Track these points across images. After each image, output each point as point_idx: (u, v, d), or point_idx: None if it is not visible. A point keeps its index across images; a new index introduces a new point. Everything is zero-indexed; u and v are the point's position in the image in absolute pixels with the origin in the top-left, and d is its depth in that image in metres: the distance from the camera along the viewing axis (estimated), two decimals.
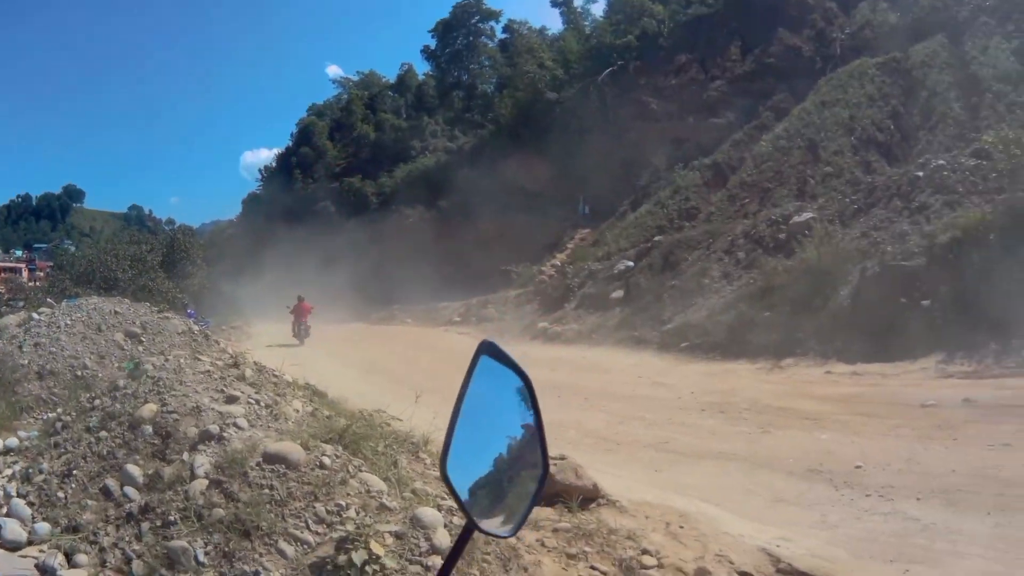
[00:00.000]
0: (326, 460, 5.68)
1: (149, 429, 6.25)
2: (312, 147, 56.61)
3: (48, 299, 15.18)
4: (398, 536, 5.24)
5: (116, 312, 11.23)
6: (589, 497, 6.42)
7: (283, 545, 5.14)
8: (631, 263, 22.82)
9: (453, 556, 1.13)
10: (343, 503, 5.37)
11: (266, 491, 5.40)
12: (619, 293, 21.71)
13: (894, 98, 25.14)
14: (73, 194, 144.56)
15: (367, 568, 4.94)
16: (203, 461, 5.70)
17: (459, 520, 5.54)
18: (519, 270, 30.67)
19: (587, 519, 6.16)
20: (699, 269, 19.86)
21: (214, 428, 5.99)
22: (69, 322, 10.80)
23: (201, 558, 5.15)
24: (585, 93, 38.42)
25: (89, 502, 5.93)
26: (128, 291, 18.93)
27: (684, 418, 10.47)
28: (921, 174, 16.70)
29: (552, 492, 6.39)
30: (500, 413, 1.11)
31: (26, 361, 9.84)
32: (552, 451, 6.59)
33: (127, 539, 5.50)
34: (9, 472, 6.80)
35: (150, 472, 5.86)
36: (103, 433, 6.59)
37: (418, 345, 18.40)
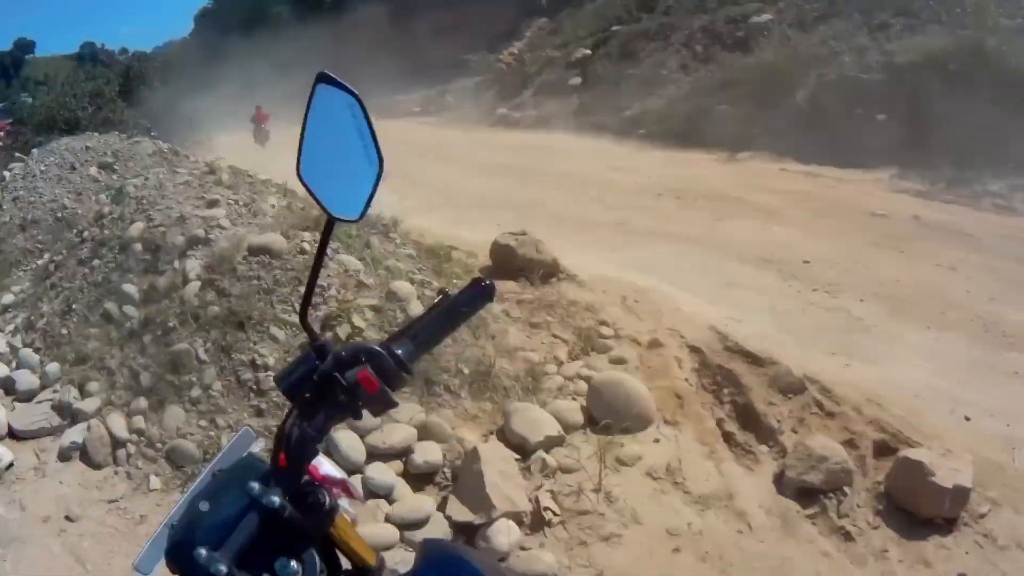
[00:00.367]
0: (306, 246, 5.91)
1: (139, 247, 6.39)
2: None
3: (16, 155, 14.51)
4: (376, 309, 5.48)
5: (87, 148, 11.20)
6: (549, 272, 6.62)
7: (274, 331, 5.39)
8: (588, 51, 22.31)
9: (321, 246, 1.30)
10: (324, 284, 5.59)
11: (254, 282, 5.65)
12: (577, 80, 21.34)
13: None
14: (24, 47, 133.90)
15: (350, 341, 5.16)
16: (194, 265, 5.92)
17: (430, 292, 5.89)
18: (476, 59, 29.80)
19: (548, 292, 6.37)
20: (657, 60, 19.50)
21: (200, 232, 6.15)
22: (43, 168, 10.68)
23: (202, 356, 5.42)
24: None
25: (92, 330, 6.13)
26: (90, 128, 18.18)
27: (642, 202, 10.59)
28: None
29: (514, 267, 6.60)
30: (340, 129, 1.25)
31: (7, 218, 9.77)
32: (514, 228, 6.73)
33: (132, 355, 5.74)
34: (11, 327, 6.91)
35: (145, 287, 6.06)
36: (95, 262, 6.72)
37: (381, 138, 18.01)
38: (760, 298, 6.93)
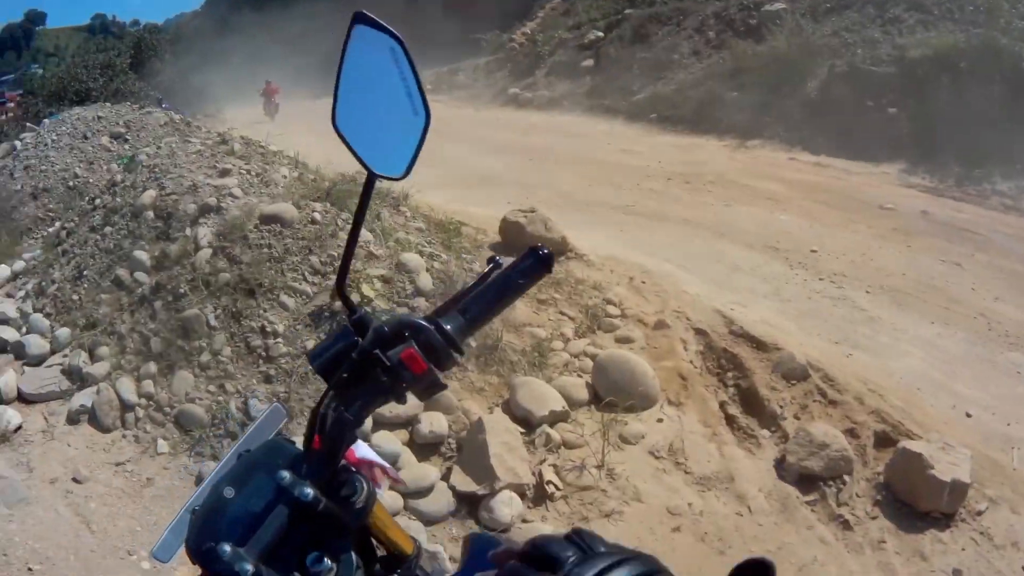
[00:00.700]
0: (316, 216, 5.96)
1: (151, 214, 6.48)
2: None
3: (26, 124, 14.48)
4: (386, 280, 5.53)
5: (99, 117, 11.19)
6: (558, 250, 6.64)
7: (284, 298, 5.45)
8: (601, 33, 22.23)
9: (362, 204, 1.19)
10: (335, 254, 5.69)
11: (265, 250, 5.70)
12: (589, 62, 21.22)
13: None
14: (35, 18, 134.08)
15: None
16: (205, 232, 5.98)
17: (439, 265, 5.93)
18: (488, 38, 29.64)
19: (556, 270, 6.36)
20: (669, 44, 19.39)
21: (212, 201, 6.22)
22: (55, 137, 10.70)
23: (213, 322, 5.49)
24: None
25: (103, 296, 6.20)
26: (102, 99, 18.17)
27: (651, 185, 10.59)
28: None
29: (523, 244, 6.56)
30: (380, 75, 1.13)
31: (19, 186, 9.82)
32: (524, 206, 6.76)
33: (143, 321, 5.81)
34: (22, 293, 6.97)
35: (157, 254, 6.13)
36: (107, 229, 6.78)
37: None
38: (766, 284, 6.95)
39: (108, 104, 13.09)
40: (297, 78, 28.20)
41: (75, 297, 6.36)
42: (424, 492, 4.48)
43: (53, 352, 6.08)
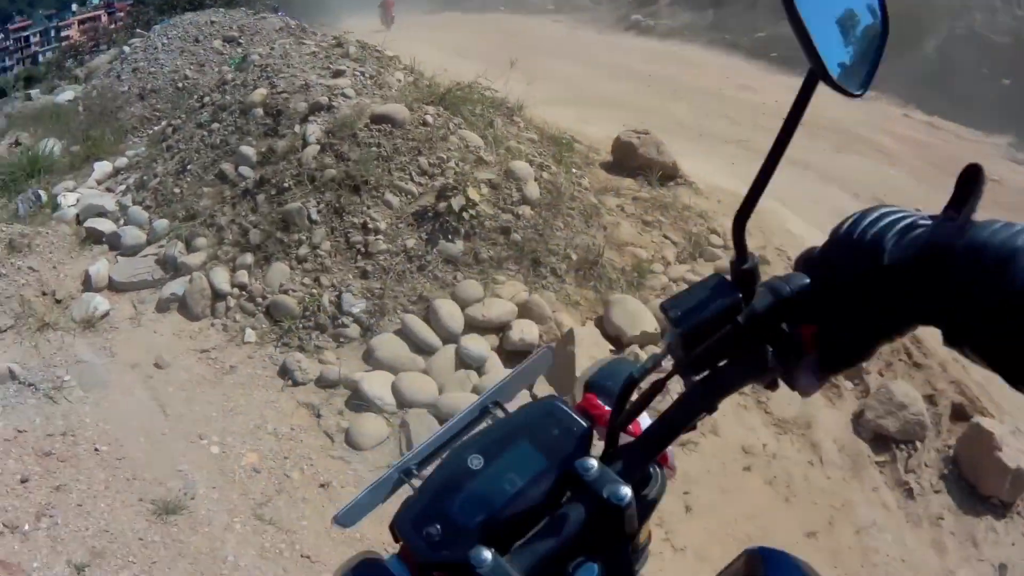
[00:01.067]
0: (428, 119, 5.84)
1: (260, 111, 6.42)
2: None
3: (136, 31, 14.55)
4: (493, 186, 5.44)
5: (212, 22, 11.02)
6: (669, 175, 6.52)
7: (389, 197, 5.38)
8: None
9: (800, 103, 0.82)
10: (444, 156, 5.57)
11: (373, 149, 5.61)
12: None
13: None
14: None
15: (464, 213, 5.17)
16: (314, 130, 5.90)
17: (548, 176, 5.80)
18: None
19: (665, 194, 6.27)
20: None
21: (323, 99, 6.13)
22: (165, 41, 10.62)
23: (314, 216, 5.45)
24: None
25: (205, 189, 6.19)
26: (215, 5, 18.15)
27: (766, 123, 10.24)
28: None
29: (635, 165, 6.53)
30: None
31: (126, 87, 9.77)
32: (638, 128, 6.60)
33: (243, 213, 5.79)
34: (122, 187, 6.98)
35: (263, 149, 6.07)
36: (215, 125, 6.77)
37: (511, 32, 17.71)
38: None
39: (222, 10, 13.09)
40: None
41: (176, 190, 6.37)
42: None
43: (149, 243, 6.07)
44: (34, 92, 14.18)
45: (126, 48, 11.64)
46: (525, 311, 4.88)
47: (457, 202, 5.16)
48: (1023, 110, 11.53)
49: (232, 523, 3.87)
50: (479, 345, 4.67)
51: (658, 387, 0.89)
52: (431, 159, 5.54)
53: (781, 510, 4.14)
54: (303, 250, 5.32)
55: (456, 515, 0.86)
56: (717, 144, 9.01)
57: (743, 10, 18.70)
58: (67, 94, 11.24)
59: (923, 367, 4.95)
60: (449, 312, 4.78)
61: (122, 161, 7.68)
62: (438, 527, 0.86)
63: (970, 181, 0.76)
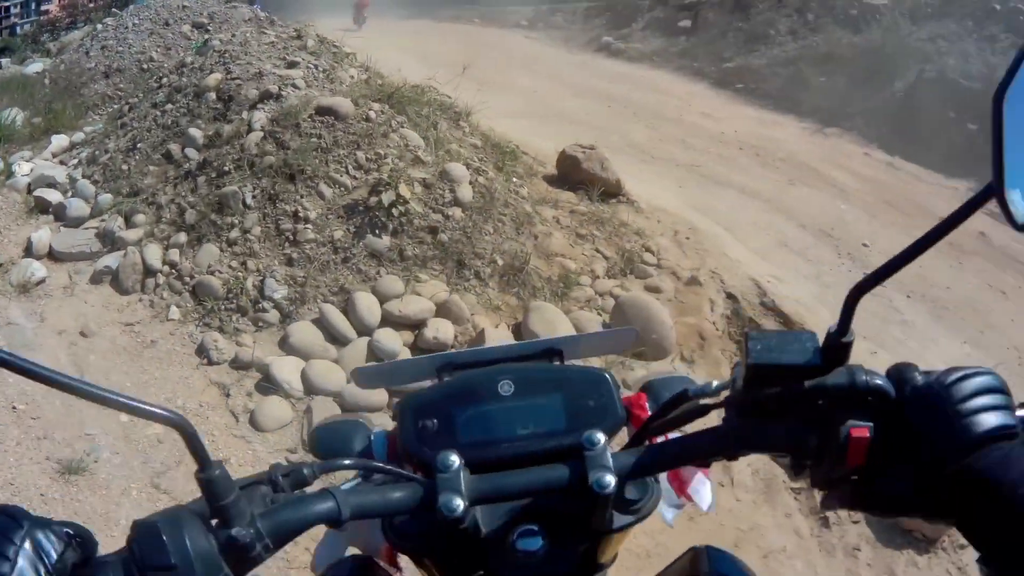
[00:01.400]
0: (372, 115, 5.94)
1: (212, 96, 6.55)
2: None
3: (112, 10, 14.56)
4: (426, 185, 5.51)
5: (184, 6, 11.13)
6: (611, 192, 6.58)
7: (323, 188, 5.48)
8: None
9: (964, 211, 0.82)
10: (382, 152, 5.66)
11: (314, 139, 5.73)
12: (687, 23, 20.87)
13: None
14: None
15: (394, 209, 5.25)
16: (260, 117, 6.02)
17: (484, 181, 5.88)
18: None
19: (604, 209, 6.33)
20: (767, 19, 19.01)
21: (273, 88, 6.24)
22: (136, 22, 10.74)
23: (249, 201, 5.56)
24: None
25: (151, 168, 6.34)
26: None
27: (721, 150, 10.39)
28: (999, 7, 15.73)
29: (577, 179, 6.58)
30: None
31: (93, 64, 9.87)
32: (586, 144, 6.66)
33: (183, 194, 5.93)
34: (75, 161, 7.15)
35: (210, 133, 6.19)
36: (168, 106, 6.93)
37: (480, 43, 17.79)
38: (809, 266, 6.80)
39: None
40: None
41: (124, 167, 6.49)
42: None
43: (92, 216, 6.24)
44: (4, 61, 14.30)
45: (99, 26, 11.68)
46: (444, 311, 4.92)
47: (387, 197, 5.21)
48: (986, 158, 11.66)
49: (129, 488, 4.01)
50: (392, 340, 4.72)
51: (702, 411, 0.86)
52: (369, 154, 5.60)
53: (683, 529, 4.02)
54: (234, 233, 5.39)
55: (457, 423, 0.87)
56: (669, 167, 9.08)
57: (713, 39, 18.91)
58: (36, 66, 11.35)
59: None
60: (367, 305, 4.85)
61: (79, 136, 7.85)
62: (435, 422, 0.87)
63: None
